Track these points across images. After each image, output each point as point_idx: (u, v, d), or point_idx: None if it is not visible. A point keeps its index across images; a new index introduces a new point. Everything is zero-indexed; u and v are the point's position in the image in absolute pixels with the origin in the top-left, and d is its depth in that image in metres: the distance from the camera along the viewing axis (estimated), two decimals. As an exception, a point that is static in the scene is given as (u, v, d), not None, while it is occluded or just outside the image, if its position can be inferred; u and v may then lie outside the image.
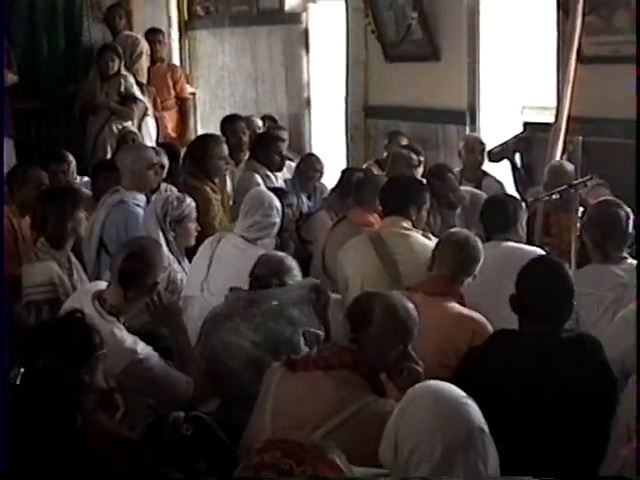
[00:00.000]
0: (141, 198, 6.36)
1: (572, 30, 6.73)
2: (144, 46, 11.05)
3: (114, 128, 10.06)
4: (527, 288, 4.06)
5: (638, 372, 3.61)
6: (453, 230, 5.33)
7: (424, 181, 6.40)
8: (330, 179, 8.20)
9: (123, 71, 10.35)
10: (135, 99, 10.20)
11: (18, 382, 2.77)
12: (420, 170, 7.50)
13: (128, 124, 9.96)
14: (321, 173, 8.10)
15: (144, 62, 11.02)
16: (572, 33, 6.73)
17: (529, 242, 5.74)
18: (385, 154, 8.25)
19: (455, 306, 4.58)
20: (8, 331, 3.58)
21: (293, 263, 4.92)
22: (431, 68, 8.65)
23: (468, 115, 8.38)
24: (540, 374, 3.85)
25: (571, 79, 6.76)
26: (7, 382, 3.24)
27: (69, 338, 3.63)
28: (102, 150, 9.99)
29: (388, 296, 3.88)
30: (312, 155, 8.59)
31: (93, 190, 7.20)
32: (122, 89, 10.24)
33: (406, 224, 5.46)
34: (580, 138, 5.95)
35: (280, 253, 5.16)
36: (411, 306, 3.83)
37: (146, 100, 10.65)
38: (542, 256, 4.61)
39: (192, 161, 7.14)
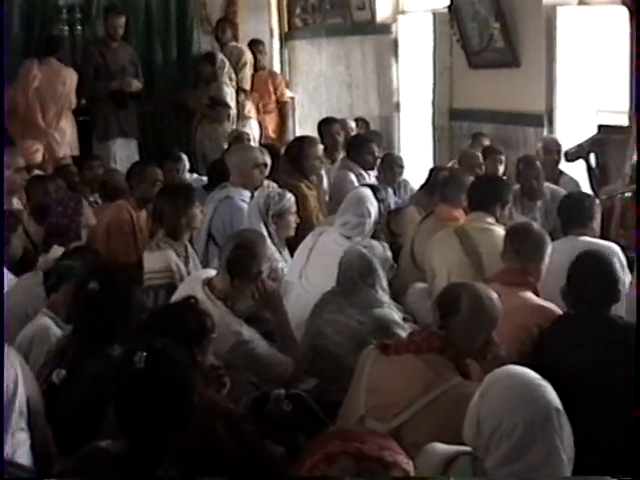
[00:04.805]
0: (246, 194, 6.40)
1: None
2: (248, 56, 11.13)
3: (205, 130, 10.17)
4: (573, 276, 4.11)
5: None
6: (518, 221, 5.30)
7: (508, 180, 6.37)
8: (417, 177, 8.16)
9: (221, 77, 10.43)
10: (223, 103, 10.26)
11: (142, 365, 2.79)
12: (501, 168, 7.47)
13: (225, 126, 10.07)
14: (403, 169, 8.09)
15: (248, 70, 11.08)
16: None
17: (604, 237, 5.63)
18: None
19: (530, 296, 4.51)
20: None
21: None
22: (511, 74, 8.55)
23: (546, 118, 8.28)
24: (597, 353, 3.85)
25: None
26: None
27: (185, 322, 3.67)
28: (198, 149, 10.17)
29: (474, 286, 3.85)
30: (393, 153, 8.58)
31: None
32: (212, 94, 10.33)
33: (490, 219, 5.41)
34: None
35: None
36: (495, 296, 3.80)
37: (249, 104, 10.75)
38: (589, 250, 4.52)
39: (289, 161, 7.15)
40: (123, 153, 9.87)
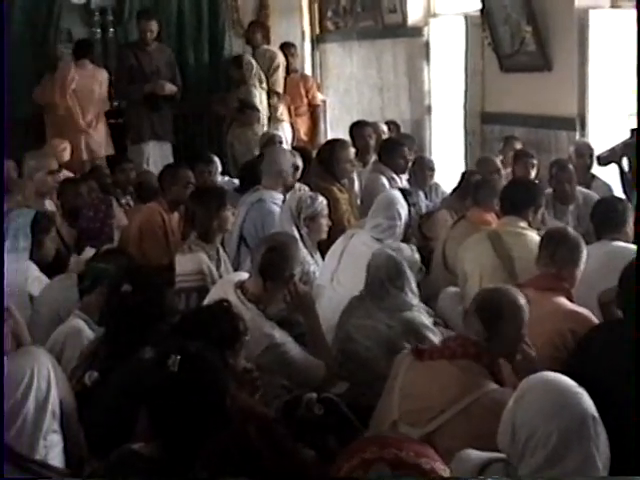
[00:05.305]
0: (278, 197, 6.39)
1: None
2: (281, 59, 11.06)
3: (235, 132, 10.16)
4: (625, 282, 3.97)
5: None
6: (553, 226, 5.27)
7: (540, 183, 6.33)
8: (449, 180, 8.13)
9: (250, 80, 10.39)
10: (252, 106, 10.23)
11: (176, 369, 2.78)
12: (533, 172, 7.43)
13: (255, 129, 10.05)
14: (434, 172, 8.06)
15: (281, 74, 11.02)
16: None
17: (637, 242, 5.57)
18: (500, 157, 8.13)
19: (564, 301, 4.46)
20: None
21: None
22: (543, 78, 8.49)
23: (578, 122, 8.20)
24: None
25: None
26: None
27: (218, 325, 3.66)
28: (229, 152, 10.15)
29: (510, 289, 3.84)
30: (424, 156, 8.56)
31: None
32: (242, 97, 10.31)
33: (523, 224, 5.39)
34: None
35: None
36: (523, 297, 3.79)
37: (282, 107, 10.74)
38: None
39: (320, 164, 7.12)
40: (157, 155, 9.86)
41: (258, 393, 3.85)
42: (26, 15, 10.37)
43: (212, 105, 10.79)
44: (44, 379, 3.50)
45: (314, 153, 7.77)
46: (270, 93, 10.74)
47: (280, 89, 10.97)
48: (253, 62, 10.56)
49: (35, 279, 5.43)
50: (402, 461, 2.30)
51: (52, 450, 3.54)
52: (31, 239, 5.53)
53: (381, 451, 2.33)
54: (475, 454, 2.90)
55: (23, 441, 3.40)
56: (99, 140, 9.80)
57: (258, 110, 10.31)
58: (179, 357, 2.79)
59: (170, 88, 9.89)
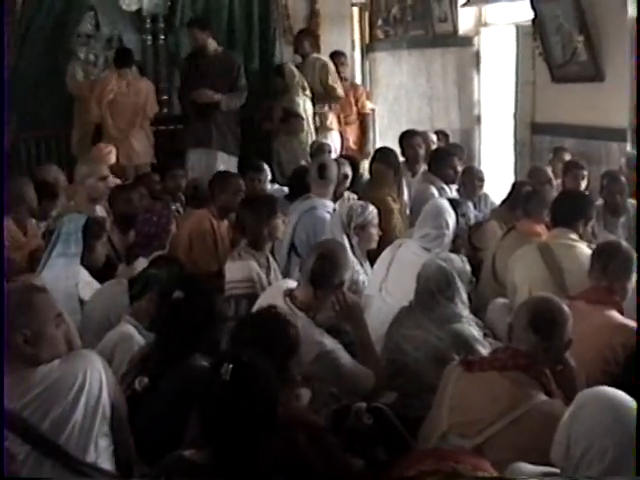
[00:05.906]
0: (330, 204, 6.42)
1: None
2: (332, 68, 10.81)
3: (281, 141, 10.17)
4: None
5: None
6: (605, 239, 5.22)
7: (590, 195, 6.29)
8: (498, 190, 8.08)
9: (293, 88, 10.33)
10: (295, 114, 10.19)
11: (228, 377, 2.79)
12: (583, 184, 7.37)
13: (300, 137, 10.02)
14: (483, 183, 8.02)
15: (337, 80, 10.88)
16: None
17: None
18: (550, 168, 8.08)
19: (615, 315, 4.44)
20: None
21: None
22: (595, 88, 8.43)
23: (629, 133, 8.14)
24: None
25: None
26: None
27: (271, 333, 3.66)
28: (275, 159, 10.12)
29: (556, 298, 3.83)
30: (473, 167, 8.51)
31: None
32: (285, 105, 10.27)
33: (573, 236, 5.37)
34: None
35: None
36: None
37: (331, 116, 10.68)
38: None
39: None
40: (197, 163, 9.77)
41: (306, 400, 3.84)
42: (50, 18, 10.40)
43: (261, 126, 10.73)
44: (96, 382, 3.51)
45: (364, 162, 7.77)
46: (329, 99, 10.59)
47: (341, 92, 10.72)
48: (295, 70, 10.42)
49: (86, 284, 5.46)
50: (459, 474, 2.30)
51: (103, 453, 3.56)
52: (82, 244, 5.57)
53: (438, 463, 2.33)
54: (528, 468, 2.88)
55: (75, 444, 3.42)
56: (137, 147, 9.78)
57: (302, 118, 10.24)
58: (231, 366, 2.80)
59: (210, 96, 9.60)
